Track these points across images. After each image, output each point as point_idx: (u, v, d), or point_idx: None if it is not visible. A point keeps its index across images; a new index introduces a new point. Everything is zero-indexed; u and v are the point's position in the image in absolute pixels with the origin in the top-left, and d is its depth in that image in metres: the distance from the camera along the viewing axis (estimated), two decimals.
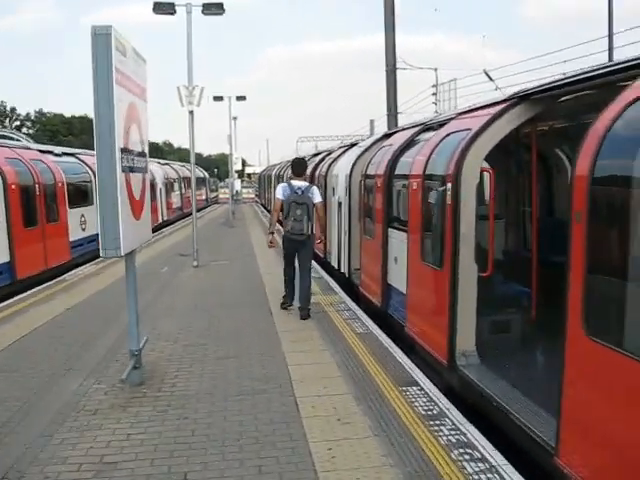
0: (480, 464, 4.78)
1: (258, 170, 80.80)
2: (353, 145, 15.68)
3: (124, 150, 6.02)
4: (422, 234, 7.76)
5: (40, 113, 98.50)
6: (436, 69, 35.04)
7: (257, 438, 5.35)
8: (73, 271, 14.85)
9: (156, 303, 11.18)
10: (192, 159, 16.40)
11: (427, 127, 9.35)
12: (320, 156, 20.75)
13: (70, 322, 9.85)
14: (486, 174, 6.76)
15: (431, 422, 5.60)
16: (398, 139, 10.24)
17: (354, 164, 12.75)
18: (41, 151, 16.48)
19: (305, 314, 9.65)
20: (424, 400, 6.15)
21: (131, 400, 6.35)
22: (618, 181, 4.23)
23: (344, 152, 15.73)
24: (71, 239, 16.08)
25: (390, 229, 9.45)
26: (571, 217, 4.38)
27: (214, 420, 5.78)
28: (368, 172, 11.14)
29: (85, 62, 5.84)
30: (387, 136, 12.17)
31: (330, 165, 16.17)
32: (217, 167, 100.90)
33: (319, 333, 8.76)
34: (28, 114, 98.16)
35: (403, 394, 6.31)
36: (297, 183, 9.78)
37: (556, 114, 7.37)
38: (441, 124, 8.52)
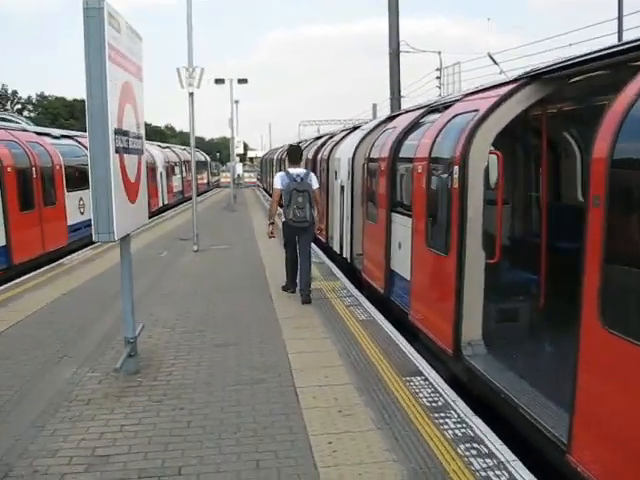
0: (488, 460, 4.58)
1: (260, 154, 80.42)
2: (356, 128, 15.40)
3: (118, 131, 5.77)
4: (427, 219, 7.52)
5: (42, 96, 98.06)
6: (440, 52, 34.73)
7: (255, 430, 5.15)
8: (70, 255, 14.64)
9: (154, 288, 10.99)
10: (192, 142, 16.12)
11: (432, 109, 9.08)
12: (322, 139, 20.46)
13: (66, 308, 9.64)
14: (494, 157, 6.51)
15: (436, 414, 5.39)
16: (402, 121, 9.97)
17: (357, 147, 12.49)
18: (38, 133, 16.19)
19: (306, 298, 9.59)
20: (429, 391, 5.94)
21: (126, 389, 6.15)
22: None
23: (346, 135, 15.45)
24: (69, 223, 15.83)
25: (394, 214, 9.21)
26: (588, 201, 4.14)
27: (211, 411, 5.58)
28: (371, 155, 10.88)
29: None
30: (391, 119, 11.89)
31: (332, 149, 15.89)
32: (219, 151, 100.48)
33: (320, 320, 8.56)
34: (30, 97, 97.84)
35: (407, 384, 6.10)
36: (295, 170, 9.75)
37: (565, 96, 7.10)
38: (447, 106, 8.25)
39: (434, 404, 5.63)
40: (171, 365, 6.84)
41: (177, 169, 37.78)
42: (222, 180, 58.71)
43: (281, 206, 9.84)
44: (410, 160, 8.38)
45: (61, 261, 14.14)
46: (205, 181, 53.61)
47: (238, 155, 45.33)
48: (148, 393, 6.03)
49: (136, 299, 9.54)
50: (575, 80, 6.07)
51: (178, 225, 22.22)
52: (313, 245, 15.33)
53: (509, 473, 4.38)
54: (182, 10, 15.28)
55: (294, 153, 10.31)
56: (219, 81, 29.43)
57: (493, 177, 7.37)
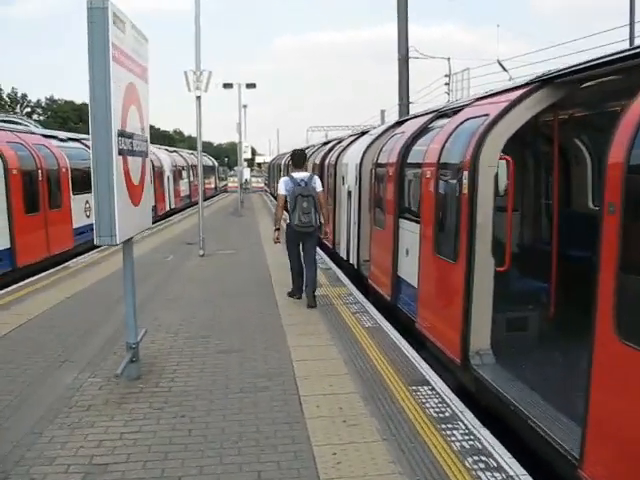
0: (496, 474, 4.44)
1: (268, 159, 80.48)
2: (364, 133, 15.29)
3: (121, 133, 5.69)
4: (435, 225, 7.38)
5: (51, 100, 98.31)
6: (449, 58, 34.56)
7: (257, 440, 5.03)
8: (76, 258, 14.56)
9: (159, 293, 10.89)
10: (199, 146, 16.05)
11: (441, 114, 8.96)
12: (330, 145, 20.35)
13: (69, 311, 9.54)
14: (504, 162, 6.37)
15: (443, 425, 5.26)
16: (411, 126, 9.85)
17: (365, 152, 12.38)
18: (45, 136, 16.16)
19: (312, 302, 9.62)
20: (435, 401, 5.80)
21: (126, 396, 6.04)
22: None
23: (354, 140, 15.35)
24: (75, 226, 15.74)
25: (401, 220, 9.08)
26: (602, 208, 4.00)
27: (213, 419, 5.46)
28: (379, 160, 10.76)
29: None
30: (399, 124, 11.78)
31: (340, 154, 15.80)
32: (227, 156, 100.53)
33: (326, 327, 8.43)
34: (39, 101, 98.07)
35: (413, 394, 5.97)
36: (299, 175, 9.72)
37: (576, 101, 6.96)
38: (456, 111, 8.13)
39: (441, 415, 5.49)
40: (173, 371, 6.72)
41: (184, 173, 37.74)
42: (229, 185, 58.64)
43: (287, 210, 9.76)
44: (418, 165, 8.26)
45: (66, 264, 14.06)
46: (212, 186, 53.56)
47: (246, 160, 45.24)
48: (149, 400, 5.92)
49: (140, 303, 9.51)
50: (587, 85, 5.95)
51: (185, 229, 22.15)
52: (320, 251, 15.33)
53: None
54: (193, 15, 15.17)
55: (298, 157, 10.25)
56: (227, 85, 29.42)
57: (502, 183, 7.24)
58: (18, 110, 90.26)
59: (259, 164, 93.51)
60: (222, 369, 6.79)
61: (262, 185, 64.40)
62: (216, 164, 60.48)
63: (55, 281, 12.00)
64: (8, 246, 12.50)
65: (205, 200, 41.02)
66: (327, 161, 18.02)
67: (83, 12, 5.20)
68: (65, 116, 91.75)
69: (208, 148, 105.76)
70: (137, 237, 17.66)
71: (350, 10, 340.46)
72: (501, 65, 16.58)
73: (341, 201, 14.79)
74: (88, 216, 16.57)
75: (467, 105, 7.84)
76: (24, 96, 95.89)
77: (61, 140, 16.81)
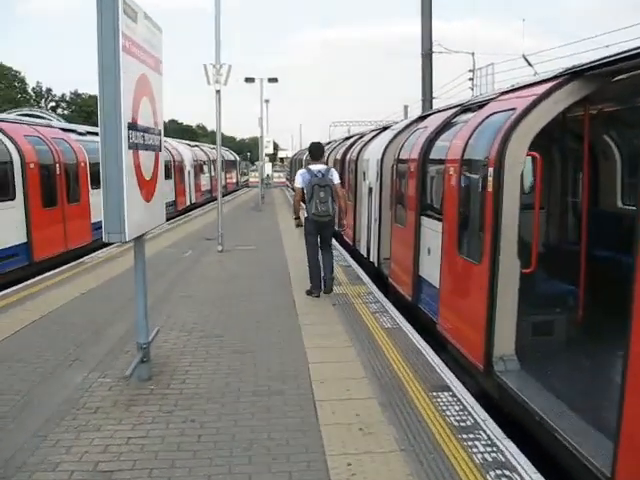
0: None
1: (290, 154, 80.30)
2: (385, 128, 15.01)
3: (132, 126, 5.48)
4: (459, 224, 7.10)
5: (75, 94, 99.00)
6: (473, 53, 34.22)
7: (269, 448, 4.80)
8: (95, 253, 14.43)
9: (174, 289, 10.73)
10: (218, 139, 15.87)
11: (465, 108, 8.66)
12: (351, 140, 20.09)
13: (83, 308, 9.39)
14: (531, 159, 6.08)
15: (464, 435, 4.99)
16: (433, 121, 9.56)
17: (386, 148, 12.11)
18: (64, 129, 16.05)
19: (329, 289, 10.09)
20: (457, 409, 5.53)
21: (136, 397, 5.85)
22: None
23: (376, 136, 15.07)
24: (93, 220, 15.56)
25: (423, 217, 8.80)
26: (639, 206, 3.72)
27: (223, 425, 5.24)
28: (401, 156, 10.48)
29: None
30: (421, 118, 11.48)
31: (361, 149, 15.54)
32: (250, 151, 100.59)
33: (344, 327, 8.18)
34: (64, 95, 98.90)
35: (433, 401, 5.70)
36: (316, 167, 9.88)
37: (606, 96, 6.64)
38: (481, 105, 7.83)
39: (462, 424, 5.22)
40: (185, 372, 6.53)
41: (206, 168, 37.66)
42: (251, 180, 58.58)
43: (304, 202, 9.87)
44: (441, 161, 7.98)
45: (83, 259, 13.94)
46: (234, 180, 53.61)
47: (268, 155, 45.06)
48: (159, 402, 5.72)
49: (155, 300, 9.41)
50: (618, 79, 5.64)
51: (205, 224, 22.01)
52: (340, 248, 15.14)
53: None
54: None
55: (315, 150, 10.42)
56: (249, 80, 29.34)
57: (527, 180, 6.95)
58: (43, 104, 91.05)
59: (281, 159, 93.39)
60: (235, 370, 6.58)
61: (284, 180, 64.24)
62: (238, 159, 60.46)
63: (70, 277, 11.88)
64: (25, 240, 12.42)
65: (227, 195, 41.32)
66: (348, 157, 17.77)
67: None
68: (89, 110, 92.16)
69: (231, 143, 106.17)
70: (155, 232, 17.68)
71: (378, 5, 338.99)
72: (526, 60, 16.20)
73: (362, 197, 14.54)
74: None
75: (492, 99, 7.55)
76: (49, 90, 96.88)
77: (80, 134, 16.70)
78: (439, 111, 10.33)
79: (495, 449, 4.75)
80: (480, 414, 5.40)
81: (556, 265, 6.96)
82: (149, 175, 6.11)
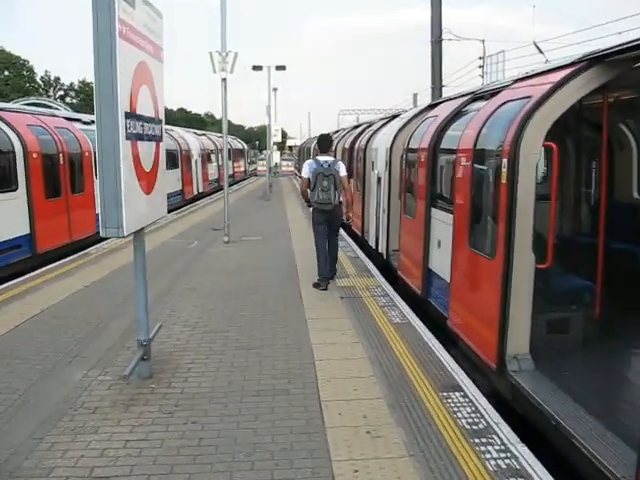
0: None
1: (299, 143, 79.98)
2: (395, 117, 14.72)
3: (130, 115, 5.25)
4: (470, 217, 6.84)
5: (84, 83, 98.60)
6: (483, 40, 33.77)
7: (273, 453, 4.59)
8: (98, 245, 14.23)
9: (179, 282, 10.54)
10: (224, 128, 15.60)
11: (477, 96, 8.37)
12: (360, 128, 19.79)
13: (85, 301, 9.19)
14: (546, 150, 5.82)
15: (476, 440, 4.76)
16: (444, 110, 9.28)
17: (395, 137, 11.83)
18: (68, 119, 15.84)
19: (332, 273, 10.25)
20: (468, 410, 5.30)
21: (136, 397, 5.65)
22: None
23: (385, 124, 14.79)
24: (98, 211, 15.46)
25: (433, 209, 8.54)
26: None
27: (225, 427, 5.04)
28: (410, 145, 10.22)
29: None
30: (432, 107, 11.21)
31: (370, 138, 15.27)
32: (258, 139, 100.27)
33: (352, 322, 7.96)
34: (72, 84, 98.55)
35: (444, 401, 5.48)
36: (323, 158, 9.93)
37: (624, 83, 6.36)
38: (493, 93, 7.56)
39: (474, 427, 4.99)
40: (188, 370, 6.33)
41: (213, 157, 37.40)
42: (259, 168, 58.31)
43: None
44: (453, 151, 7.71)
45: (87, 250, 13.75)
46: (242, 169, 53.36)
47: (276, 143, 44.81)
48: (159, 402, 5.52)
49: (159, 293, 9.24)
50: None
51: (212, 214, 21.77)
52: (348, 238, 14.93)
53: None
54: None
55: (324, 142, 10.49)
56: (257, 68, 29.07)
57: (540, 170, 6.69)
58: (51, 93, 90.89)
59: (290, 147, 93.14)
60: (239, 368, 6.38)
61: (292, 169, 63.96)
62: (246, 147, 60.20)
63: (74, 269, 11.69)
64: (28, 232, 12.25)
65: (234, 184, 41.10)
66: (357, 145, 17.51)
67: None
68: None
69: (239, 131, 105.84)
70: (162, 222, 17.49)
71: None
72: (537, 47, 15.90)
73: (370, 187, 14.29)
74: None
75: (506, 87, 7.27)
76: (57, 79, 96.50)
77: (85, 123, 16.44)
78: (450, 99, 10.05)
79: (509, 455, 4.53)
80: (493, 416, 5.17)
81: (571, 259, 6.70)
82: (149, 166, 5.89)
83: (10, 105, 15.99)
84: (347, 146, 19.56)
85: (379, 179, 13.05)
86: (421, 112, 11.61)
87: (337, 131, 30.19)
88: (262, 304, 8.93)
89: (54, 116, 15.19)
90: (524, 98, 6.03)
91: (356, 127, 22.63)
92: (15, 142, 12.09)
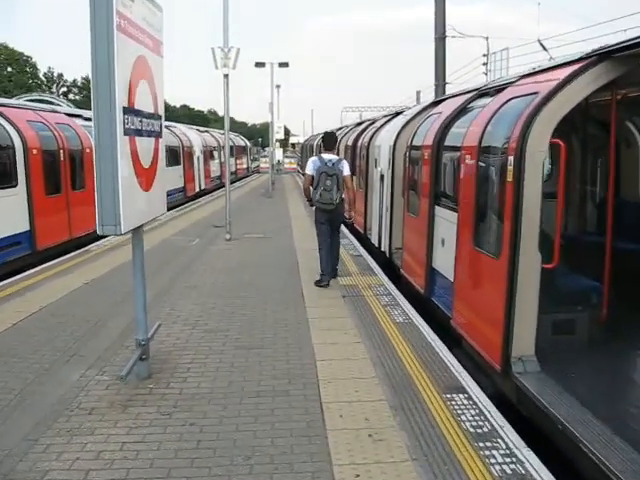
0: None
1: (302, 140, 79.75)
2: (398, 114, 14.61)
3: (128, 110, 5.14)
4: (475, 215, 6.71)
5: (87, 80, 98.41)
6: (487, 37, 33.56)
7: (272, 457, 4.48)
8: (99, 241, 14.12)
9: (179, 280, 10.43)
10: (226, 125, 15.50)
11: (482, 93, 8.25)
12: (363, 125, 19.67)
13: (85, 299, 9.09)
14: (554, 147, 5.69)
15: (481, 444, 4.65)
16: (448, 106, 9.16)
17: (399, 134, 11.73)
18: (69, 115, 15.72)
19: (333, 273, 10.10)
20: (472, 413, 5.19)
21: (134, 397, 5.55)
22: None
23: (388, 121, 14.68)
24: None
25: (437, 207, 8.42)
26: None
27: (224, 429, 4.93)
28: (414, 143, 10.10)
29: None
30: (436, 103, 11.09)
31: (373, 135, 15.16)
32: (261, 136, 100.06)
33: (354, 321, 7.85)
34: (75, 80, 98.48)
35: (448, 404, 5.37)
36: (328, 156, 9.90)
37: (631, 80, 6.23)
38: (499, 89, 7.44)
39: (479, 430, 4.88)
40: (187, 370, 6.22)
41: (215, 154, 37.25)
42: (262, 166, 58.18)
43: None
44: (457, 149, 7.59)
45: (88, 247, 13.65)
46: (245, 166, 53.24)
47: (279, 140, 44.66)
48: (157, 403, 5.42)
49: (158, 291, 9.15)
50: None
51: (214, 211, 21.66)
52: (350, 236, 14.82)
53: None
54: None
55: (329, 139, 10.43)
56: (259, 64, 28.89)
57: (546, 168, 6.56)
58: (54, 90, 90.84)
59: (293, 144, 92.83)
60: (239, 368, 6.27)
61: (295, 166, 63.79)
62: (249, 144, 60.06)
63: (74, 266, 11.57)
64: (27, 228, 12.14)
65: (237, 181, 40.99)
66: (359, 143, 17.39)
67: None
68: None
69: (242, 128, 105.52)
70: (163, 219, 17.39)
71: None
72: (541, 44, 15.71)
73: (373, 185, 14.17)
74: None
75: (511, 83, 7.15)
76: (60, 76, 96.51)
77: (86, 119, 16.29)
78: (454, 96, 9.92)
79: (514, 459, 4.42)
80: (498, 419, 5.06)
81: (577, 259, 6.59)
82: (148, 163, 5.78)
83: (10, 101, 15.88)
84: (350, 143, 19.44)
85: (382, 176, 12.94)
86: (425, 109, 11.50)
87: (340, 128, 30.05)
88: (263, 303, 8.83)
89: (55, 112, 15.05)
90: (531, 94, 5.91)
91: (359, 124, 22.50)
92: (15, 138, 11.98)
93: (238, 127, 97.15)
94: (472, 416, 5.13)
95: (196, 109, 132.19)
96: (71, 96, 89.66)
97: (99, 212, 5.00)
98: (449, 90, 20.53)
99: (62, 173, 13.73)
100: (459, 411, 5.22)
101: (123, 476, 4.25)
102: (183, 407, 5.34)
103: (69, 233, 13.84)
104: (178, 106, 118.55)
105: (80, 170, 14.71)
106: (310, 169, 9.83)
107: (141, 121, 5.54)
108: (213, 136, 38.85)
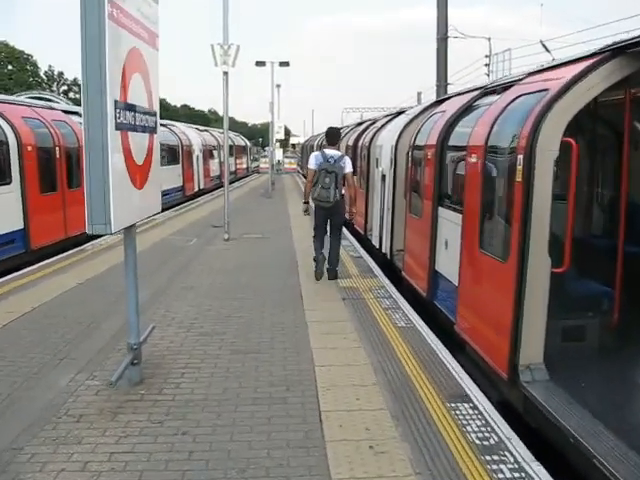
0: None
1: (303, 140, 79.56)
2: (400, 113, 14.39)
3: (121, 104, 4.91)
4: (481, 217, 6.48)
5: None
6: (489, 38, 33.35)
7: (268, 469, 4.25)
8: (95, 241, 13.88)
9: (175, 280, 10.20)
10: (225, 124, 15.26)
11: (487, 91, 8.02)
12: (363, 125, 19.46)
13: (78, 299, 8.85)
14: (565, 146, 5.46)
15: (487, 457, 4.41)
16: (453, 105, 8.92)
17: (401, 133, 11.52)
18: (66, 112, 15.48)
19: (333, 275, 10.06)
20: (478, 424, 4.95)
21: (124, 404, 5.31)
22: None
23: (390, 121, 14.46)
24: None
25: (441, 208, 8.18)
26: None
27: (218, 439, 4.69)
28: (417, 142, 9.86)
29: None
30: (439, 102, 10.85)
31: (374, 135, 14.95)
32: (262, 136, 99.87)
33: (354, 325, 7.62)
34: (75, 79, 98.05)
35: (452, 413, 5.13)
36: (330, 152, 9.86)
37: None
38: (505, 87, 7.20)
39: (485, 442, 4.64)
40: (180, 375, 5.98)
41: (215, 153, 37.01)
42: (262, 166, 57.95)
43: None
44: (462, 148, 7.35)
45: (84, 246, 13.40)
46: (244, 166, 53.04)
47: (279, 140, 44.45)
48: (149, 410, 5.18)
49: (154, 292, 8.92)
50: None
51: (213, 211, 21.42)
52: (350, 237, 14.58)
53: None
54: None
55: (332, 135, 10.46)
56: (260, 63, 28.67)
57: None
58: (55, 88, 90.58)
59: (293, 145, 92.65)
60: (235, 374, 6.03)
61: (295, 166, 63.54)
62: (249, 144, 59.85)
63: (68, 265, 11.33)
64: (21, 227, 11.92)
65: (236, 181, 40.77)
66: (360, 142, 17.18)
67: None
68: None
69: (242, 128, 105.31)
70: (160, 219, 17.14)
71: None
72: (544, 46, 15.53)
73: (374, 185, 13.96)
74: None
75: (518, 80, 6.92)
76: (60, 74, 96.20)
77: None
78: (458, 94, 9.68)
79: (524, 474, 4.18)
80: (505, 431, 4.82)
81: (587, 263, 6.34)
82: (141, 159, 5.55)
83: (5, 97, 15.62)
84: (351, 143, 19.23)
85: (383, 177, 12.72)
86: (428, 108, 11.28)
87: (341, 128, 29.82)
88: (261, 305, 8.60)
89: (51, 109, 14.82)
90: (540, 91, 5.68)
91: (360, 124, 22.29)
92: (9, 134, 11.75)
93: (238, 127, 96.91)
94: (478, 427, 4.89)
95: (197, 109, 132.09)
96: (71, 95, 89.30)
97: (88, 210, 4.75)
98: (451, 90, 20.33)
99: (58, 171, 13.49)
100: (464, 421, 4.99)
101: None
102: (176, 415, 5.11)
103: (65, 232, 13.58)
104: (179, 106, 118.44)
105: (77, 168, 14.44)
106: (312, 164, 9.76)
107: (134, 116, 5.30)
108: (213, 135, 38.61)
